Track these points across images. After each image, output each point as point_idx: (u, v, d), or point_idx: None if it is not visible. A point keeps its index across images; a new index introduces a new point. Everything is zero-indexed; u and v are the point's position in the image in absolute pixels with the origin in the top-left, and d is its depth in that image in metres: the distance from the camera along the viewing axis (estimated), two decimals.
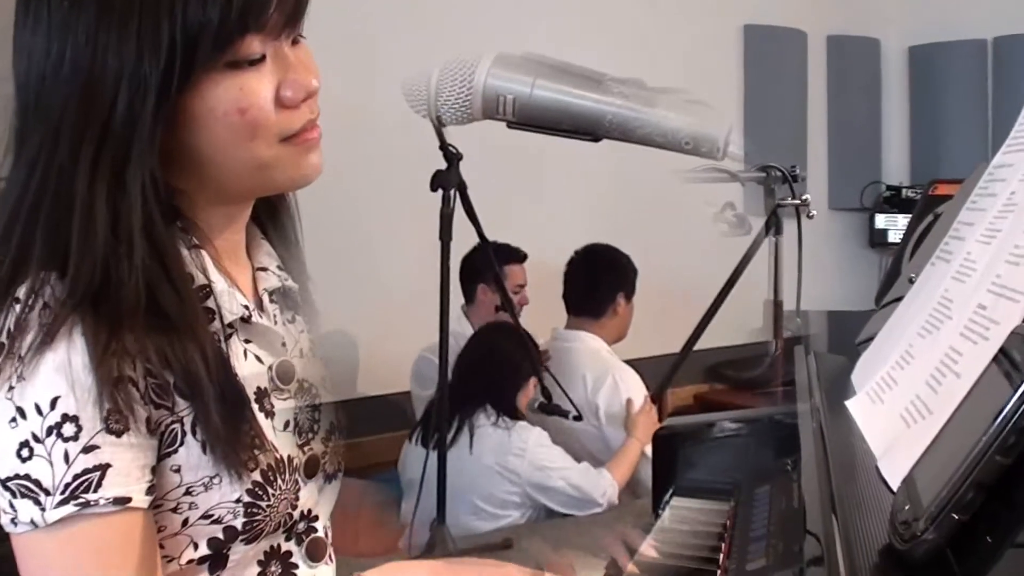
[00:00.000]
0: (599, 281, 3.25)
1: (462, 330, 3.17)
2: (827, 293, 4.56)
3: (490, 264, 3.23)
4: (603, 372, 3.15)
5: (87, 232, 0.84)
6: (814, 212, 1.92)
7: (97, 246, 0.84)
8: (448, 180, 1.66)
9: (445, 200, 1.70)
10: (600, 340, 3.24)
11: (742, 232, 1.37)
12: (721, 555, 1.21)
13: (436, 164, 1.78)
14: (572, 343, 3.23)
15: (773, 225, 1.89)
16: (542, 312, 3.28)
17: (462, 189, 1.67)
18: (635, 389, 3.12)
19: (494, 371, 2.81)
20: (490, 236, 2.04)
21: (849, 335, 1.54)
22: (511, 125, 1.41)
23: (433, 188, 1.72)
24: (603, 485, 2.87)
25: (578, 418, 2.54)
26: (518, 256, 3.29)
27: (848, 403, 1.08)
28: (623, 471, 2.96)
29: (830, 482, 0.91)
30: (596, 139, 1.35)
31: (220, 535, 0.91)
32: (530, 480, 2.81)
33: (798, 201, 1.89)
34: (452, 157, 1.69)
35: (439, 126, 1.49)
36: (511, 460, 2.79)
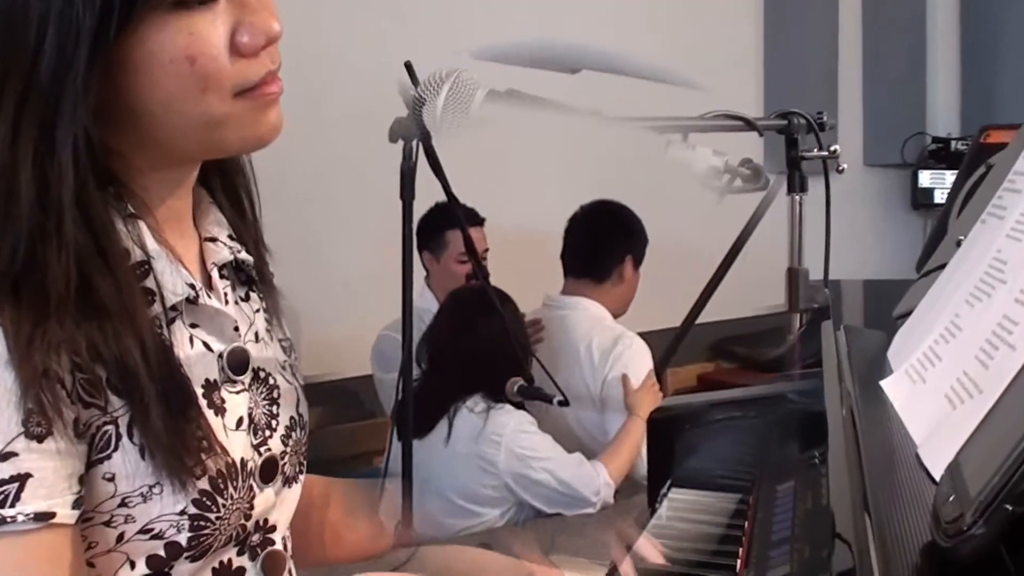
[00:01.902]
0: (605, 241, 3.22)
1: (426, 306, 3.17)
2: (863, 261, 4.58)
3: (433, 226, 3.26)
4: (611, 341, 3.12)
5: (8, 202, 0.83)
6: (844, 166, 1.92)
7: (20, 219, 0.83)
8: (410, 129, 1.63)
9: (406, 153, 1.68)
10: (602, 308, 3.22)
11: (757, 187, 1.36)
12: (738, 561, 1.21)
13: (397, 113, 1.76)
14: (571, 310, 3.20)
15: (796, 181, 1.89)
16: (526, 283, 3.28)
17: (426, 140, 1.64)
18: (645, 363, 3.10)
19: (475, 345, 2.78)
20: (460, 197, 2.01)
21: (887, 307, 1.54)
22: None
23: (392, 139, 1.70)
24: (596, 482, 2.84)
25: (564, 403, 2.52)
26: (476, 218, 3.31)
27: (884, 383, 1.08)
28: (622, 459, 2.92)
29: (862, 475, 0.91)
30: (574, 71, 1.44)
31: (161, 552, 0.91)
32: (509, 471, 2.78)
33: (825, 153, 1.88)
34: (416, 102, 1.66)
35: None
36: (487, 449, 2.76)
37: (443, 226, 3.21)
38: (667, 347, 2.83)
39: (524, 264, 3.53)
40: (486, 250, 3.35)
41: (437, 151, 1.55)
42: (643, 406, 2.94)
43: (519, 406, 2.80)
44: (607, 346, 3.10)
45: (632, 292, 3.29)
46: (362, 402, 3.63)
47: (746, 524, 1.35)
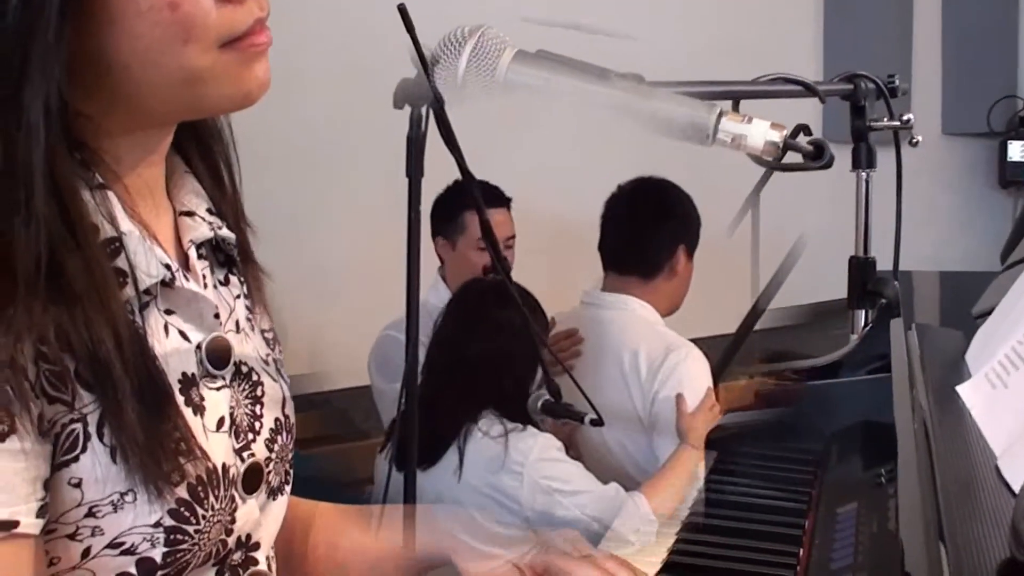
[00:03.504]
0: (653, 229, 3.12)
1: (438, 301, 3.10)
2: (941, 248, 4.57)
3: (451, 209, 3.18)
4: (662, 351, 3.03)
5: None
6: (918, 138, 1.92)
7: None
8: (419, 92, 1.64)
9: (414, 121, 1.69)
10: (651, 309, 3.14)
11: (819, 164, 1.39)
12: None
13: (404, 71, 1.77)
14: (615, 310, 3.13)
15: (863, 155, 1.90)
16: (557, 277, 3.27)
17: (438, 106, 1.66)
18: (702, 379, 3.01)
19: (488, 353, 2.74)
20: (477, 173, 2.02)
21: (965, 303, 1.57)
22: None
23: (397, 104, 1.72)
24: (635, 519, 2.78)
25: (597, 422, 2.49)
26: (500, 199, 3.26)
27: (960, 388, 1.11)
28: (668, 493, 2.84)
29: (936, 496, 0.94)
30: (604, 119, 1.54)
31: (132, 569, 0.93)
32: (533, 508, 2.73)
33: (897, 123, 1.89)
34: (427, 62, 1.67)
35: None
36: (507, 480, 2.70)
37: (461, 206, 3.15)
38: (719, 359, 2.81)
39: (554, 254, 3.51)
40: (512, 236, 3.30)
41: (450, 118, 1.57)
42: (698, 432, 2.82)
43: (540, 424, 2.76)
44: (658, 357, 3.01)
45: (686, 287, 3.17)
46: (352, 419, 3.62)
47: (801, 551, 1.38)
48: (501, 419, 2.69)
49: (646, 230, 3.13)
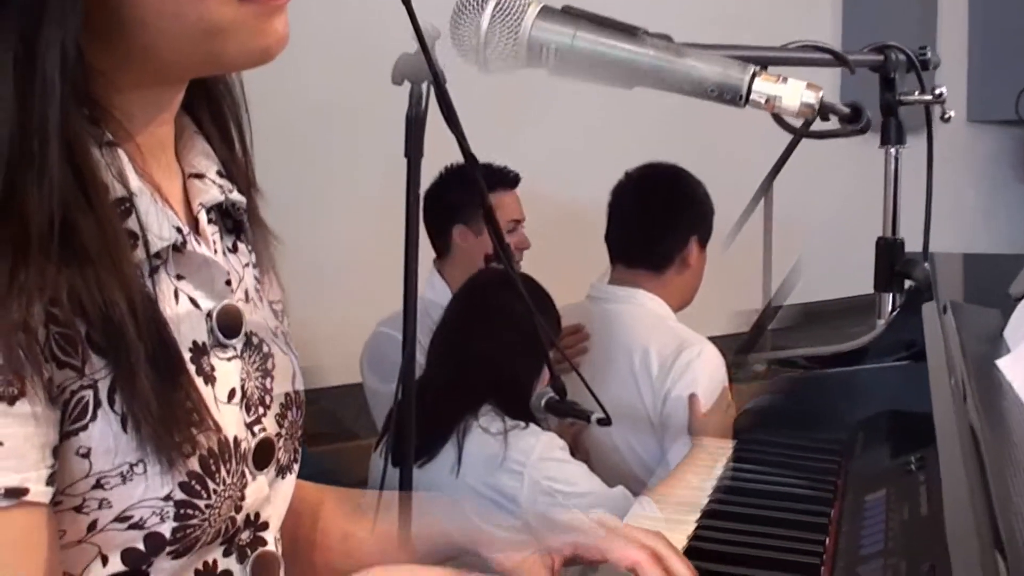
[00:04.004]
0: (664, 219, 3.10)
1: (435, 296, 3.11)
2: (963, 238, 4.57)
3: (473, 193, 3.20)
4: (674, 348, 3.00)
5: None
6: (951, 113, 1.90)
7: (0, 143, 0.85)
8: (419, 68, 1.64)
9: (414, 98, 1.69)
10: (662, 303, 3.12)
11: (855, 128, 1.38)
12: None
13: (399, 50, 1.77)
14: (623, 304, 3.10)
15: (892, 130, 1.89)
16: (563, 268, 3.27)
17: (439, 82, 1.65)
18: (716, 377, 2.96)
19: (495, 347, 2.73)
20: (480, 156, 2.00)
21: (994, 285, 1.57)
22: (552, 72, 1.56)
23: (396, 80, 1.71)
24: (643, 524, 2.76)
25: (605, 422, 2.47)
26: (508, 180, 3.24)
27: (1001, 362, 1.11)
28: (680, 498, 2.83)
29: (981, 469, 0.94)
30: (629, 87, 1.56)
31: (140, 545, 0.93)
32: (532, 509, 2.71)
33: (929, 96, 1.88)
34: (424, 36, 1.66)
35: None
36: (506, 480, 2.69)
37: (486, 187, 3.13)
38: (732, 358, 2.80)
39: (559, 244, 3.49)
40: (520, 220, 3.29)
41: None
42: (713, 434, 2.72)
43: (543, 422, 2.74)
44: (669, 354, 2.99)
45: (698, 280, 3.15)
46: (341, 419, 3.61)
47: (827, 539, 1.38)
48: (502, 416, 2.66)
49: (656, 220, 3.10)
